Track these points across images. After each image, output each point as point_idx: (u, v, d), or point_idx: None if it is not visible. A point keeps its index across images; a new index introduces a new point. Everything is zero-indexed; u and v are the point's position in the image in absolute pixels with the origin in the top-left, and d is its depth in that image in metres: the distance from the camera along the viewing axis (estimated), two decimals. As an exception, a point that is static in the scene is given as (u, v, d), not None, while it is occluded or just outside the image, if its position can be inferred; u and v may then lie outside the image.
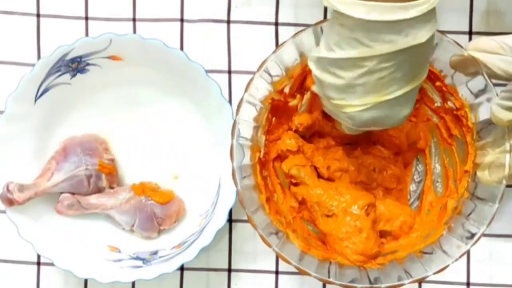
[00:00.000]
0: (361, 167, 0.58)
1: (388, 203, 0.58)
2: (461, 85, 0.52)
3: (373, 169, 0.58)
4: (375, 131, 0.57)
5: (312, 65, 0.48)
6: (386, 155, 0.59)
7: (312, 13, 0.62)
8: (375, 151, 0.59)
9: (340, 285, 0.51)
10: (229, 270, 0.64)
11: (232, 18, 0.63)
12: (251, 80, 0.52)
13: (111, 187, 0.62)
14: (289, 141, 0.58)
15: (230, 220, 0.63)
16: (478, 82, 0.50)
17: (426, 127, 0.59)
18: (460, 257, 0.50)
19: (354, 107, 0.46)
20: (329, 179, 0.59)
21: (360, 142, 0.59)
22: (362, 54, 0.43)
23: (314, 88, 0.49)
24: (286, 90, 0.56)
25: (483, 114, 0.51)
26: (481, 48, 0.49)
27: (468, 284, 0.63)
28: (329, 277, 0.51)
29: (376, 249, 0.55)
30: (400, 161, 0.59)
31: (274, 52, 0.52)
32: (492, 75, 0.49)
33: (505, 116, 0.47)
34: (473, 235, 0.50)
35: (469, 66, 0.50)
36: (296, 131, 0.58)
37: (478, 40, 0.49)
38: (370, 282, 0.51)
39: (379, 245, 0.56)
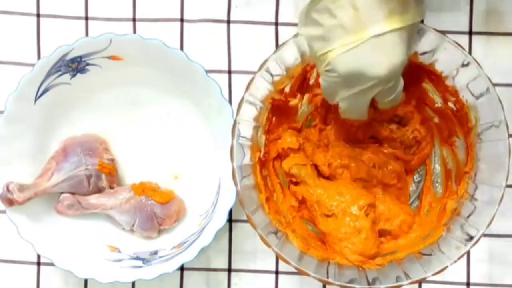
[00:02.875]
0: (361, 164, 0.58)
1: (388, 202, 0.58)
2: (462, 86, 0.52)
3: (373, 165, 0.58)
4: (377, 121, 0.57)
5: (299, 26, 0.48)
6: (386, 151, 0.59)
7: (312, 13, 0.62)
8: (375, 147, 0.59)
9: (339, 285, 0.51)
10: (229, 270, 0.64)
11: (232, 18, 0.63)
12: (252, 79, 0.52)
13: (111, 187, 0.62)
14: (289, 139, 0.58)
15: (230, 220, 0.63)
16: (479, 84, 0.50)
17: (428, 130, 0.59)
18: (459, 258, 0.50)
19: (336, 50, 0.45)
20: (330, 177, 0.59)
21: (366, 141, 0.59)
22: None
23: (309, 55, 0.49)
24: (287, 89, 0.56)
25: (484, 115, 0.51)
26: None
27: (468, 284, 0.63)
28: (327, 277, 0.51)
29: (375, 250, 0.55)
30: (401, 159, 0.59)
31: (275, 51, 0.52)
32: None
33: None
34: (472, 237, 0.50)
35: None
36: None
37: None
38: (369, 283, 0.51)
39: (378, 245, 0.56)
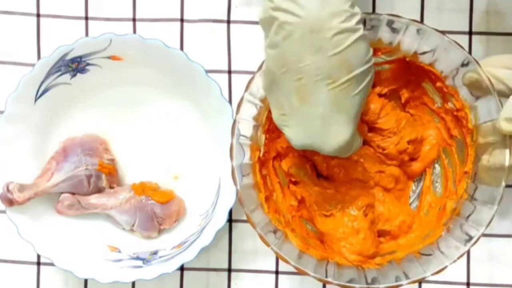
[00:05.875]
0: (357, 165, 0.58)
1: (388, 203, 0.58)
2: (462, 86, 0.52)
3: (369, 167, 0.58)
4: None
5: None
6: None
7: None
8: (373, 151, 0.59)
9: (338, 285, 0.51)
10: (229, 270, 0.64)
11: (232, 18, 0.63)
12: (252, 79, 0.52)
13: (111, 187, 0.62)
14: None
15: (230, 220, 0.63)
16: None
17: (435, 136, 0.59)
18: (458, 258, 0.50)
19: (289, 126, 0.48)
20: (328, 177, 0.59)
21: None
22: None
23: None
24: (287, 89, 0.56)
25: (484, 115, 0.51)
26: (498, 65, 0.49)
27: (468, 284, 0.63)
28: (326, 276, 0.51)
29: (373, 250, 0.55)
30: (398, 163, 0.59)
31: (275, 51, 0.52)
32: (502, 92, 0.49)
33: None
34: (471, 237, 0.50)
35: (482, 85, 0.50)
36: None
37: (495, 57, 0.50)
38: (367, 283, 0.51)
39: (377, 245, 0.56)
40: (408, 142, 0.57)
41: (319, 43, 0.44)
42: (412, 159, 0.59)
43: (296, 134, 0.48)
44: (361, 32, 0.45)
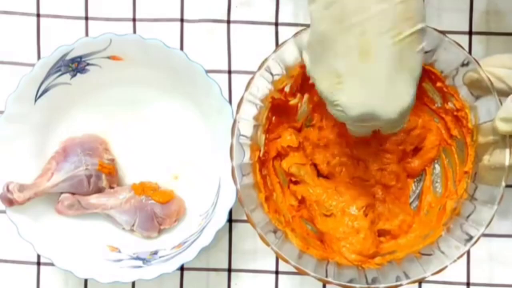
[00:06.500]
0: (359, 163, 0.58)
1: (388, 202, 0.58)
2: (462, 86, 0.52)
3: (370, 165, 0.58)
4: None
5: (305, 57, 0.48)
6: (387, 156, 0.59)
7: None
8: (374, 148, 0.59)
9: (338, 284, 0.51)
10: (229, 270, 0.64)
11: (232, 18, 0.63)
12: (252, 78, 0.52)
13: (111, 187, 0.62)
14: (289, 137, 0.58)
15: (230, 220, 0.63)
16: (478, 84, 0.50)
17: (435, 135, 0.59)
18: (458, 258, 0.50)
19: (347, 93, 0.44)
20: (329, 176, 0.59)
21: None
22: None
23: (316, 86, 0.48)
24: (287, 89, 0.56)
25: (484, 115, 0.51)
26: (498, 64, 0.49)
27: (468, 284, 0.63)
28: (327, 276, 0.51)
29: (373, 250, 0.55)
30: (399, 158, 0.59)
31: (275, 51, 0.52)
32: (503, 91, 0.49)
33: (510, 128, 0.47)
34: (472, 237, 0.50)
35: (482, 85, 0.50)
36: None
37: (495, 57, 0.49)
38: (368, 283, 0.51)
39: (377, 245, 0.56)
40: (407, 131, 0.57)
41: None
42: (417, 149, 0.59)
43: (355, 99, 0.44)
44: None
